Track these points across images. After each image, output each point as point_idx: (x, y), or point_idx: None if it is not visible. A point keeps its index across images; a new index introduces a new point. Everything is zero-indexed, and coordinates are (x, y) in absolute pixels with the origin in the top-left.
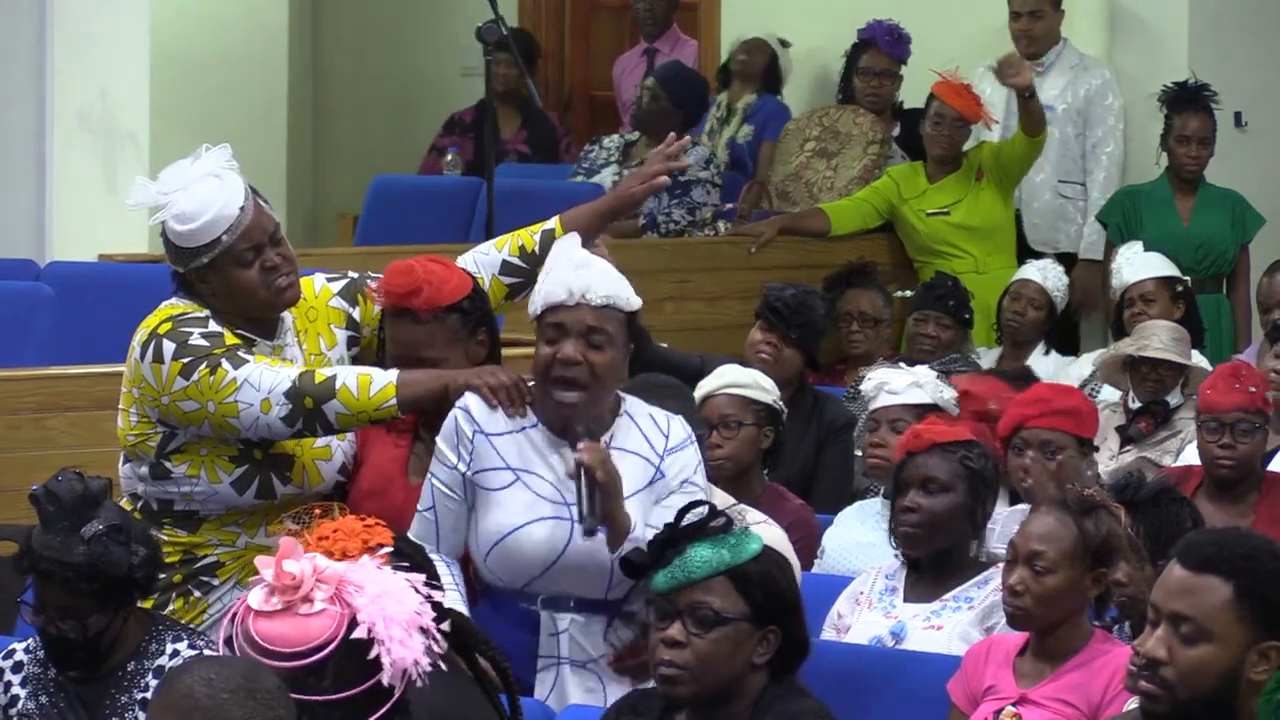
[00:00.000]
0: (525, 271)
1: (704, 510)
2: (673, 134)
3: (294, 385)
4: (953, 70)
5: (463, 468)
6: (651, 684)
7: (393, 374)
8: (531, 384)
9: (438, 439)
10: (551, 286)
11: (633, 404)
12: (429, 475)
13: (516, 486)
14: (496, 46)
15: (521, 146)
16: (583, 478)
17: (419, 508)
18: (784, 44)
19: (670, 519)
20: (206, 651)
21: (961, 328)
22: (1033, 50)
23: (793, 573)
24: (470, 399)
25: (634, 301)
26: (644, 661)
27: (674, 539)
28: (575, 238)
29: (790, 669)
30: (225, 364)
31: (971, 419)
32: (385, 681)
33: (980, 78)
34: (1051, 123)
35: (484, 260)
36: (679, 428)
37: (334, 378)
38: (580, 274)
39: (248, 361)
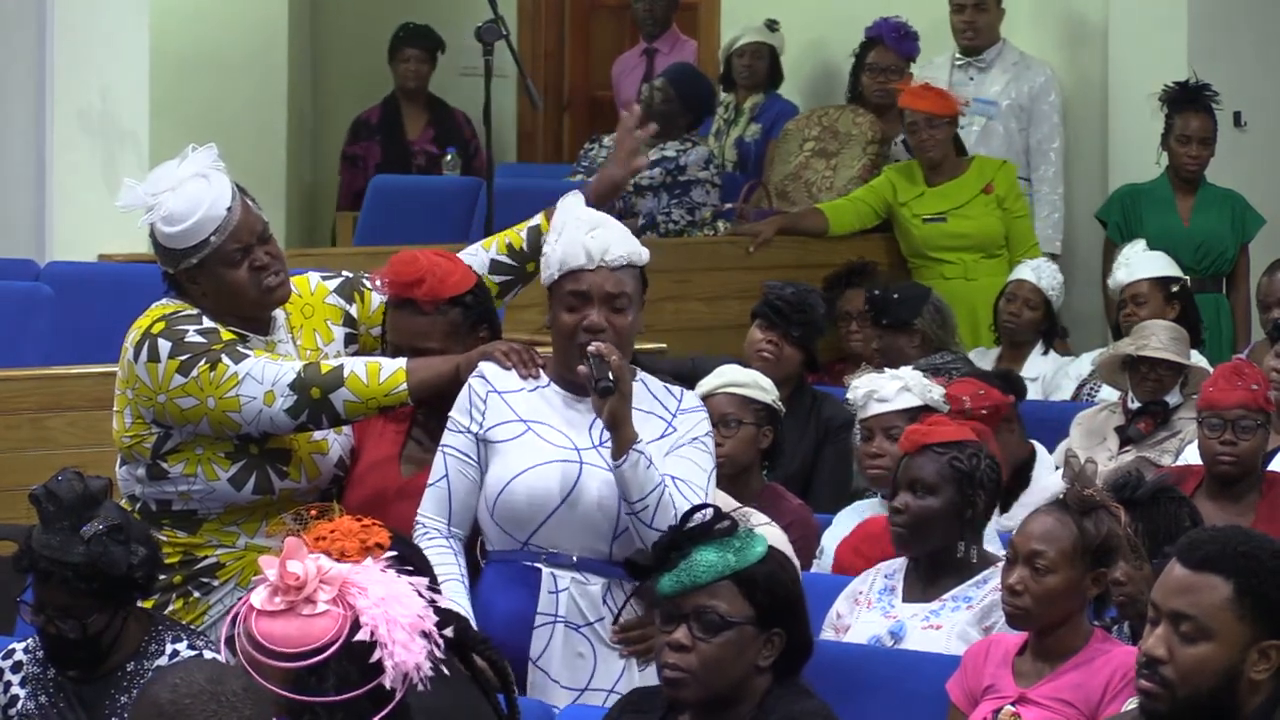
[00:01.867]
0: (515, 269)
1: (709, 513)
2: (625, 111)
3: (299, 376)
4: (906, 80)
5: (476, 428)
6: (653, 680)
7: (401, 360)
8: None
9: (453, 410)
10: (568, 249)
11: (646, 375)
12: (441, 448)
13: (527, 436)
14: (427, 45)
15: (429, 146)
16: (595, 363)
17: (431, 480)
18: (772, 27)
19: (681, 469)
20: (206, 653)
21: (891, 331)
22: (975, 43)
23: (797, 574)
24: (485, 366)
25: (645, 254)
26: (647, 640)
27: (678, 542)
28: (578, 195)
29: (794, 670)
30: (225, 359)
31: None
32: (387, 685)
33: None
34: (995, 118)
35: (472, 260)
36: (691, 396)
37: (341, 367)
38: (596, 235)
39: (248, 356)
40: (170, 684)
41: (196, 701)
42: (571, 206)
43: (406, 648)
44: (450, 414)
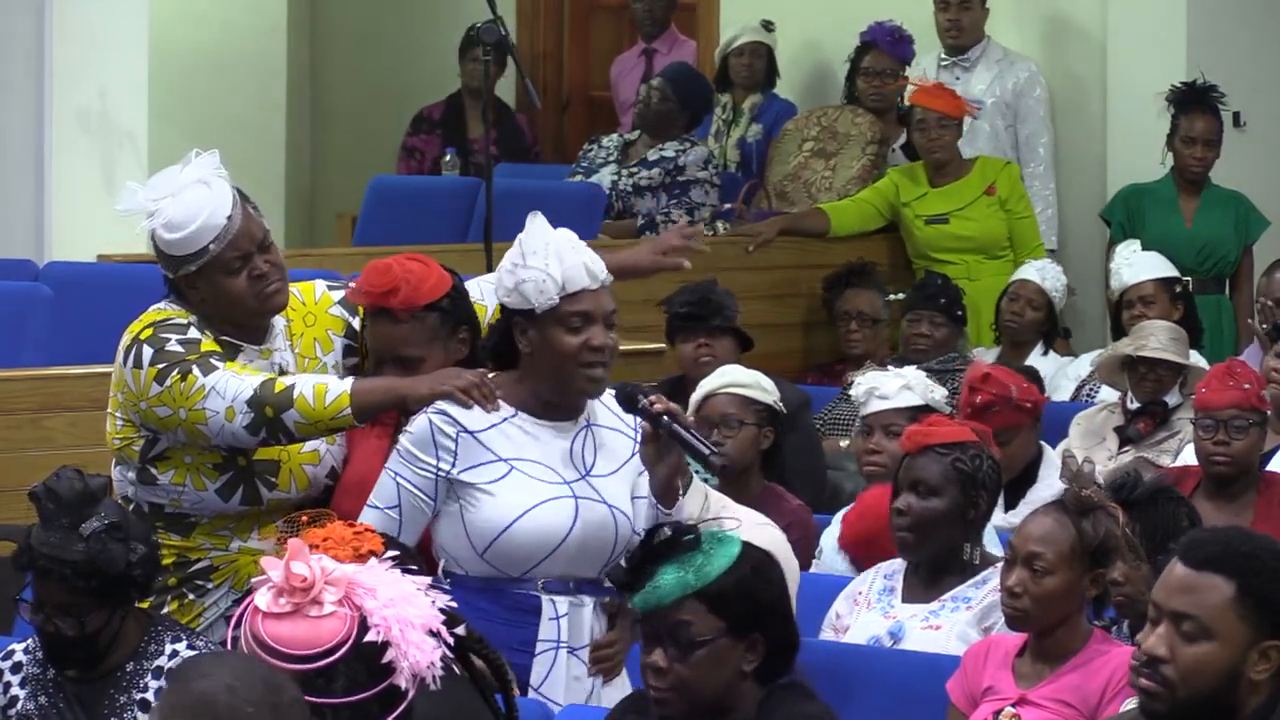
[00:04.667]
0: None
1: (667, 531)
2: (685, 221)
3: (255, 394)
4: (920, 76)
5: (446, 467)
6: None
7: (348, 383)
8: (492, 375)
9: (407, 443)
10: (570, 272)
11: None
12: (392, 474)
13: (513, 475)
14: (495, 48)
15: (490, 146)
16: (668, 428)
17: (378, 503)
18: (768, 27)
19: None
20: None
21: (955, 325)
22: (960, 41)
23: (774, 573)
24: (445, 406)
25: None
26: (615, 658)
27: (644, 561)
28: (540, 215)
29: (783, 668)
30: (196, 370)
31: (988, 398)
32: (402, 685)
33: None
34: (981, 116)
35: (490, 289)
36: None
37: (292, 387)
38: (590, 256)
39: (217, 369)
40: (228, 685)
41: (258, 711)
42: (543, 229)
43: (420, 648)
44: (405, 446)
